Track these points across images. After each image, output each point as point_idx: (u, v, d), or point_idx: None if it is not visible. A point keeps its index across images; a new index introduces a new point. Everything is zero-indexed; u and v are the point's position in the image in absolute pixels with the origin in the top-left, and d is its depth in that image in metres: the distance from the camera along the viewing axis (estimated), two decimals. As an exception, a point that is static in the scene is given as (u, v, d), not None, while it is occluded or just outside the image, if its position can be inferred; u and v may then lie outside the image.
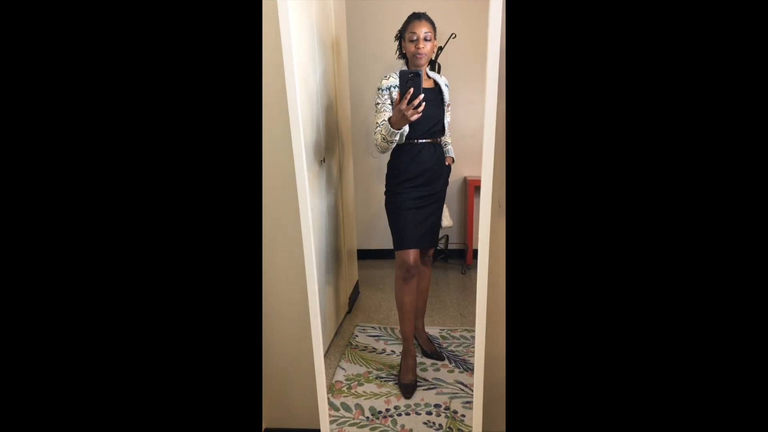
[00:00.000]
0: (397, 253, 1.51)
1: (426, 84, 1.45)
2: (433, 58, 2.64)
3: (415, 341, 1.80)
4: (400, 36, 1.47)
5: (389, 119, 1.31)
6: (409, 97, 1.20)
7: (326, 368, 1.61)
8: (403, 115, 1.22)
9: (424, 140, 1.46)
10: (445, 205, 1.66)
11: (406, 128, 1.36)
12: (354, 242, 2.40)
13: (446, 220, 1.70)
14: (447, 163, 1.59)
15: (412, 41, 1.39)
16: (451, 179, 1.63)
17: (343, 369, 1.68)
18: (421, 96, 1.20)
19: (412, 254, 1.48)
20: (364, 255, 3.03)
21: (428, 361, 1.71)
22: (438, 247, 2.98)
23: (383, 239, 3.22)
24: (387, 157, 1.56)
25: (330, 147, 1.79)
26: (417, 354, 1.75)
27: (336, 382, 1.60)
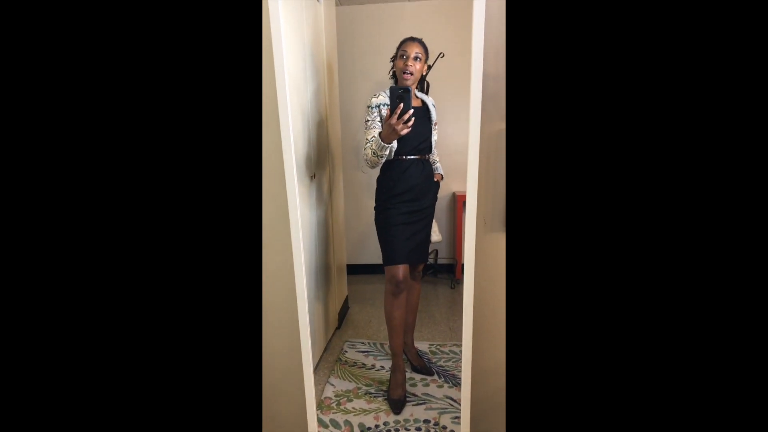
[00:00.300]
0: (387, 268, 1.52)
1: (414, 103, 1.50)
2: (423, 77, 2.70)
3: (404, 356, 1.80)
4: (395, 57, 1.53)
5: (379, 134, 1.35)
6: (399, 111, 1.23)
7: (315, 384, 1.60)
8: (394, 129, 1.26)
9: (412, 156, 1.50)
10: (434, 221, 1.70)
11: (395, 144, 1.40)
12: (344, 257, 2.40)
13: (435, 235, 1.73)
14: (435, 180, 1.62)
15: (402, 58, 1.46)
16: (439, 194, 1.66)
17: (333, 385, 1.67)
18: (411, 111, 1.25)
19: (401, 269, 1.49)
20: (353, 270, 3.03)
21: (417, 377, 1.70)
22: (427, 262, 3.01)
23: (373, 254, 3.23)
24: (376, 172, 1.59)
25: (320, 162, 1.81)
26: (406, 369, 1.74)
27: (325, 398, 1.58)
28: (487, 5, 0.84)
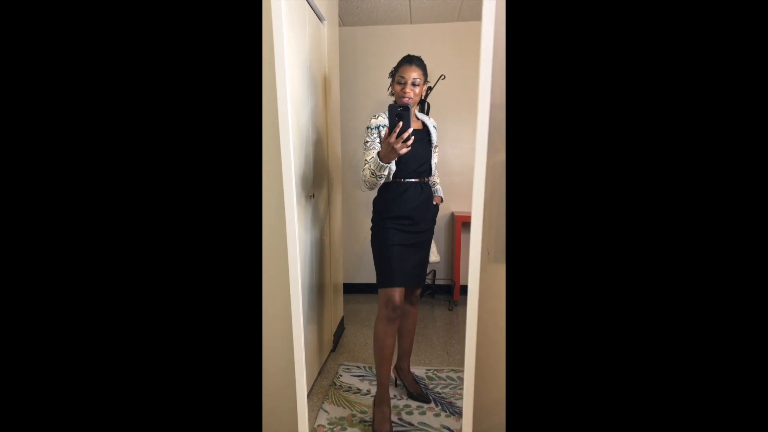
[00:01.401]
0: (382, 291, 1.44)
1: (414, 125, 1.45)
2: (423, 97, 2.71)
3: (400, 382, 1.75)
4: (393, 75, 1.49)
5: (378, 153, 1.30)
6: (398, 130, 1.19)
7: (309, 411, 1.54)
8: (393, 148, 1.21)
9: (410, 179, 1.46)
10: (432, 241, 1.64)
11: (393, 166, 1.36)
12: (340, 276, 2.36)
13: (433, 255, 1.69)
14: (435, 203, 1.57)
15: (400, 84, 1.41)
16: (438, 215, 1.63)
17: (326, 411, 1.61)
18: (411, 129, 1.20)
19: (398, 292, 1.42)
20: (350, 289, 2.99)
21: (414, 404, 1.65)
22: (425, 284, 2.97)
23: (370, 273, 3.19)
24: (374, 192, 1.55)
25: (318, 181, 1.79)
26: (402, 396, 1.69)
27: (318, 426, 1.53)
28: (495, 35, 0.83)
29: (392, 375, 1.77)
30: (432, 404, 1.65)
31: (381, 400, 1.51)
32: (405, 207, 1.44)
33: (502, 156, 0.87)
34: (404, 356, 1.70)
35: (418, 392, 1.67)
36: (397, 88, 1.42)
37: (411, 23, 2.77)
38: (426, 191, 1.50)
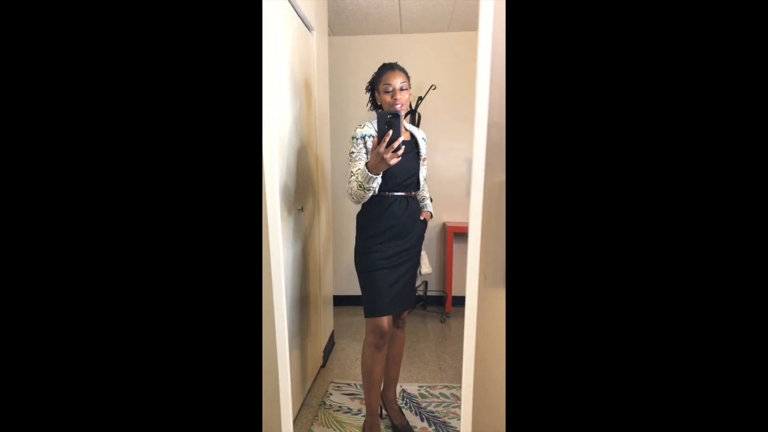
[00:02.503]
0: (369, 320, 1.38)
1: (403, 136, 1.40)
2: (413, 108, 2.69)
3: (385, 413, 1.63)
4: (372, 87, 1.42)
5: (366, 164, 1.23)
6: (388, 139, 1.12)
7: (296, 433, 1.48)
8: (382, 158, 1.14)
9: (396, 193, 1.38)
10: (423, 252, 1.58)
11: (379, 179, 1.28)
12: (329, 289, 2.31)
13: (425, 267, 1.65)
14: (423, 218, 1.49)
15: (387, 92, 1.33)
16: (430, 225, 1.56)
17: (315, 433, 1.55)
18: (401, 138, 1.13)
19: (386, 320, 1.36)
20: (341, 302, 2.93)
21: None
22: (413, 308, 2.90)
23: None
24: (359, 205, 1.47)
25: (303, 191, 1.74)
26: (387, 429, 1.60)
27: (306, 449, 1.46)
28: (492, 49, 0.80)
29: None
30: (425, 424, 1.59)
31: (370, 427, 1.45)
32: (389, 222, 1.37)
33: (500, 176, 0.83)
34: (390, 384, 1.60)
35: (403, 425, 1.55)
36: (386, 97, 1.34)
37: (401, 33, 2.75)
38: (412, 205, 1.43)
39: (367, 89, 1.45)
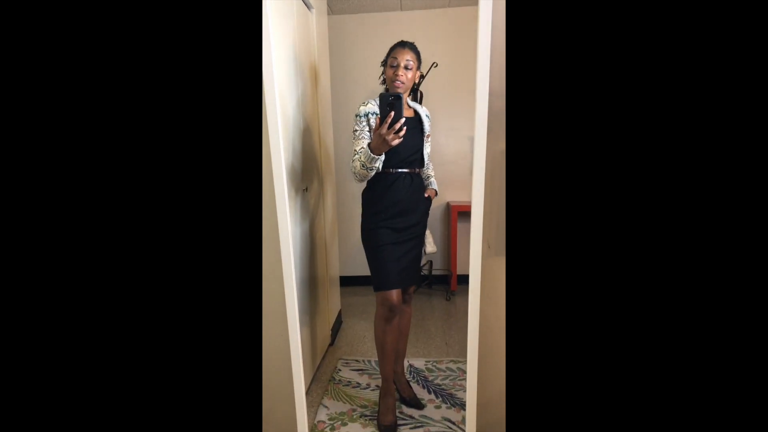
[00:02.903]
0: (378, 293, 1.43)
1: (406, 113, 1.40)
2: (415, 86, 2.67)
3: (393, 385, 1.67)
4: (385, 62, 1.44)
5: (369, 144, 1.26)
6: (389, 120, 1.14)
7: (308, 407, 1.53)
8: (384, 139, 1.16)
9: (400, 170, 1.40)
10: (428, 231, 1.61)
11: (383, 156, 1.31)
12: (336, 269, 2.34)
13: (430, 246, 1.67)
14: (427, 195, 1.52)
15: (392, 67, 1.36)
16: (434, 205, 1.58)
17: (326, 407, 1.60)
18: (403, 120, 1.15)
19: (395, 294, 1.40)
20: (347, 282, 2.97)
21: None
22: (420, 286, 2.94)
23: (366, 265, 3.15)
24: (364, 183, 1.49)
25: (308, 172, 1.75)
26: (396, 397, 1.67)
27: (318, 422, 1.51)
28: (492, 22, 0.80)
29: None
30: (432, 396, 1.64)
31: (386, 392, 1.52)
32: (393, 198, 1.40)
33: (501, 145, 0.84)
34: (398, 358, 1.64)
35: (411, 397, 1.62)
36: (389, 71, 1.36)
37: (401, 10, 2.71)
38: (416, 182, 1.45)
39: (382, 63, 1.46)
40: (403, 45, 1.38)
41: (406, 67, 1.35)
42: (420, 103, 1.59)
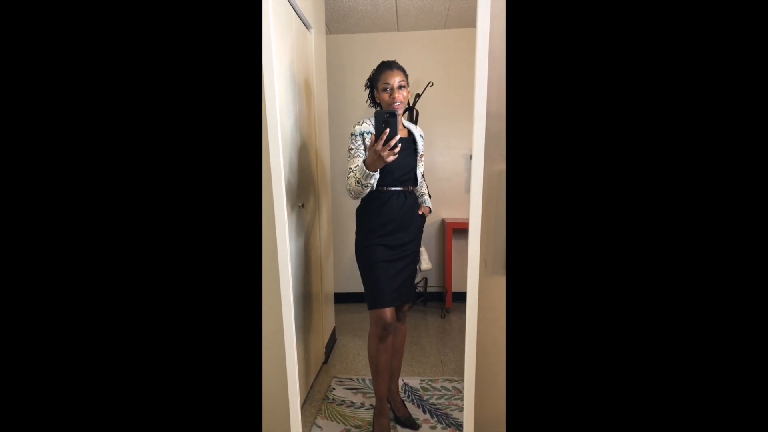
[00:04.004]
0: (372, 312, 1.42)
1: (400, 133, 1.38)
2: (410, 105, 2.71)
3: (388, 405, 1.63)
4: (371, 85, 1.44)
5: (364, 161, 1.27)
6: (385, 137, 1.15)
7: (301, 426, 1.50)
8: (380, 156, 1.17)
9: (394, 188, 1.41)
10: (423, 248, 1.61)
11: (377, 175, 1.31)
12: (331, 286, 2.33)
13: (425, 263, 1.67)
14: (421, 213, 1.51)
15: (386, 91, 1.36)
16: (429, 221, 1.58)
17: (320, 427, 1.57)
18: (398, 136, 1.16)
19: (388, 312, 1.39)
20: (342, 299, 2.95)
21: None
22: (414, 303, 2.92)
23: (361, 281, 3.13)
24: (359, 201, 1.49)
25: (305, 188, 1.76)
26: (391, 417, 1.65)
27: (311, 442, 1.48)
28: (489, 44, 0.82)
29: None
30: (427, 416, 1.62)
31: (380, 412, 1.49)
32: (388, 216, 1.40)
33: (499, 166, 0.85)
34: (392, 377, 1.62)
35: (406, 417, 1.58)
36: (385, 96, 1.37)
37: (398, 31, 2.77)
38: (410, 200, 1.45)
39: (367, 86, 1.47)
40: (390, 66, 1.38)
41: (400, 87, 1.35)
42: (416, 121, 1.61)
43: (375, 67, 1.43)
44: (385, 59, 1.42)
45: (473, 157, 0.83)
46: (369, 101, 1.49)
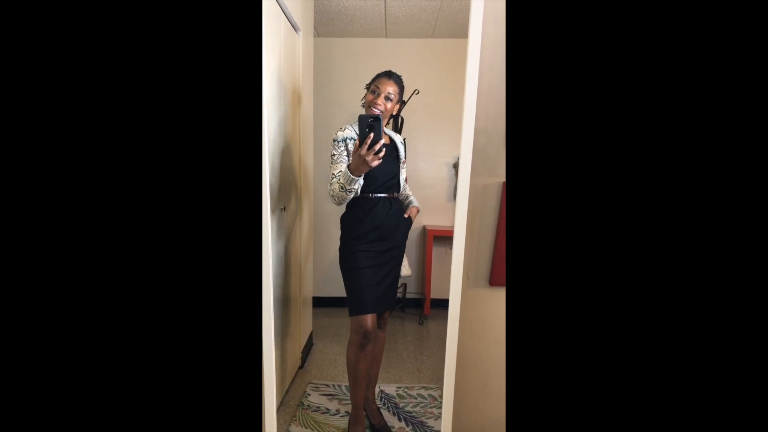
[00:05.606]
0: (353, 318, 1.41)
1: (384, 140, 1.42)
2: (394, 113, 2.71)
3: (363, 413, 1.63)
4: (369, 86, 1.45)
5: (348, 166, 1.25)
6: (369, 141, 1.15)
7: (274, 434, 1.47)
8: (364, 160, 1.16)
9: (379, 195, 1.41)
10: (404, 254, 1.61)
11: (362, 181, 1.31)
12: (309, 290, 2.30)
13: (405, 269, 1.66)
14: (408, 215, 1.52)
15: (373, 93, 1.39)
16: (410, 229, 1.59)
17: (293, 434, 1.54)
18: (382, 141, 1.15)
19: (370, 319, 1.39)
20: (320, 303, 2.92)
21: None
22: (395, 308, 2.92)
23: (341, 286, 3.11)
24: (343, 208, 1.48)
25: (287, 192, 1.74)
26: (366, 424, 1.64)
27: (284, 449, 1.46)
28: (480, 60, 0.83)
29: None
30: (403, 424, 1.61)
31: (355, 420, 1.48)
32: (374, 222, 1.40)
33: (484, 180, 0.86)
34: (369, 384, 1.61)
35: (381, 425, 1.58)
36: (370, 97, 1.38)
37: (386, 37, 2.78)
38: (395, 206, 1.45)
39: (366, 86, 1.48)
40: (389, 76, 1.40)
41: (386, 98, 1.37)
42: (400, 129, 1.62)
43: (366, 71, 1.44)
44: (372, 65, 1.43)
45: (459, 172, 0.84)
46: (362, 100, 1.49)
